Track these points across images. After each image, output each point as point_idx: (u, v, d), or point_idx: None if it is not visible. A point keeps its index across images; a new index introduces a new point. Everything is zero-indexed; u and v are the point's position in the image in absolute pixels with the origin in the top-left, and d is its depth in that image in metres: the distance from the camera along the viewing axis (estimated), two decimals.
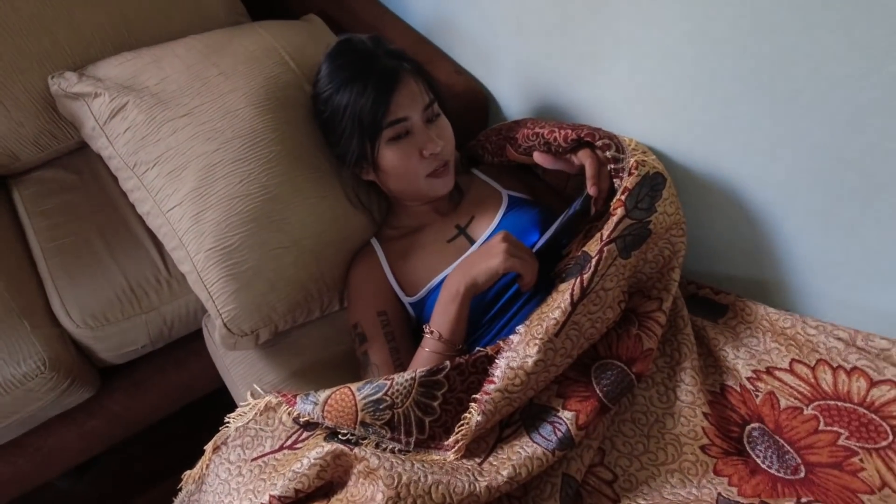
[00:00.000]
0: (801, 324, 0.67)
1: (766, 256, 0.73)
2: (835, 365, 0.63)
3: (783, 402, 0.65)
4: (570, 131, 0.72)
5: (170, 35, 0.97)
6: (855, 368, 0.61)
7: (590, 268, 0.64)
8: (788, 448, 0.63)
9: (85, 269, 0.89)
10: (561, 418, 0.63)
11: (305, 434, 0.67)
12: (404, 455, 0.62)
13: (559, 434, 0.62)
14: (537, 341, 0.62)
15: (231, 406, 0.77)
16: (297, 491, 0.59)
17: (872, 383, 0.60)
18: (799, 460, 0.62)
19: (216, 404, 0.94)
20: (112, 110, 0.85)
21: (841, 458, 0.60)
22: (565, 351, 0.64)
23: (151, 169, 0.82)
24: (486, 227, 0.79)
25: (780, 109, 0.63)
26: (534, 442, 0.62)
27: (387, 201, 0.88)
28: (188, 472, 0.71)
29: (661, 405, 0.69)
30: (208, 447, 0.70)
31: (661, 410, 0.69)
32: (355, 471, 0.61)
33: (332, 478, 0.62)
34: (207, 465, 0.69)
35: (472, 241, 0.79)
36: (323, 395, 0.65)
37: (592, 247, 0.66)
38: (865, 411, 0.60)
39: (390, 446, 0.63)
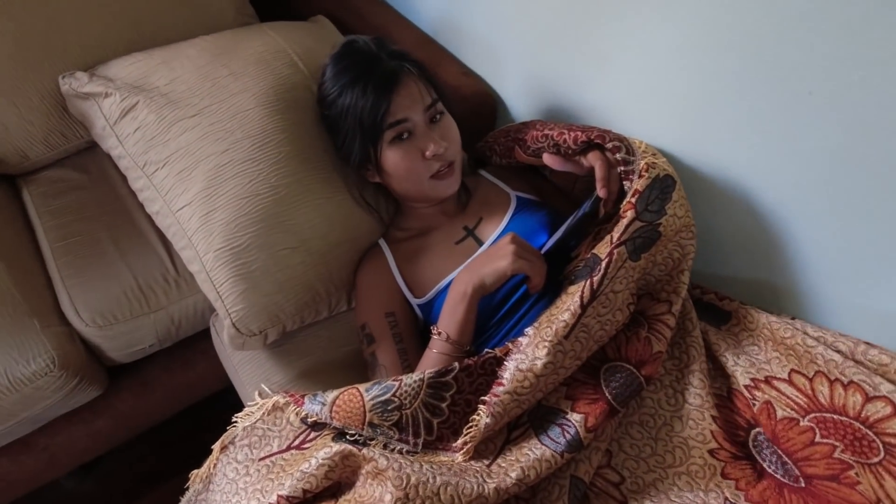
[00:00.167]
0: (801, 334, 0.66)
1: (775, 259, 0.73)
2: (832, 378, 0.63)
3: (780, 413, 0.65)
4: (579, 133, 0.72)
5: (180, 36, 0.98)
6: (851, 382, 0.61)
7: (600, 270, 0.64)
8: (787, 459, 0.63)
9: (94, 268, 0.90)
10: (570, 420, 0.63)
11: (313, 434, 0.67)
12: (412, 456, 0.62)
13: (568, 436, 0.62)
14: (546, 343, 0.62)
15: (238, 406, 0.77)
16: (305, 491, 0.59)
17: (868, 398, 0.60)
18: (797, 472, 0.62)
19: (223, 404, 0.94)
20: (122, 110, 0.86)
21: (837, 471, 0.60)
22: (574, 353, 0.64)
23: (161, 169, 0.82)
24: (495, 229, 0.79)
25: (791, 112, 0.62)
26: (542, 444, 0.62)
27: (394, 203, 0.88)
28: (195, 471, 0.71)
29: (670, 408, 0.69)
30: (216, 446, 0.70)
31: (670, 413, 0.69)
32: (363, 471, 0.61)
33: (340, 478, 0.62)
34: (215, 465, 0.69)
35: (480, 243, 0.79)
36: (331, 395, 0.65)
37: (602, 249, 0.66)
38: (860, 426, 0.60)
39: (398, 447, 0.63)
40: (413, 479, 0.56)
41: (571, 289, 0.65)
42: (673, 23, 0.69)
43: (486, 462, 0.62)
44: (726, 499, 0.62)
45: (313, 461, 0.60)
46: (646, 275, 0.71)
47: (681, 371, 0.71)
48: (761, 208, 0.71)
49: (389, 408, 0.62)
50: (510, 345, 0.66)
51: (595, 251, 0.67)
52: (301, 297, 0.79)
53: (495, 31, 0.98)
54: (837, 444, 0.61)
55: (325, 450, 0.61)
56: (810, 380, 0.64)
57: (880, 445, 0.59)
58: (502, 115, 1.06)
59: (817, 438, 0.62)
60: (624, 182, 0.70)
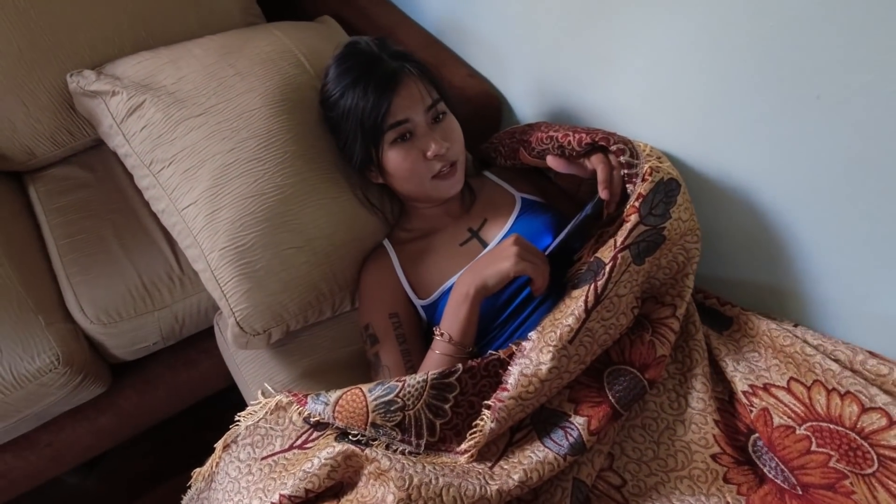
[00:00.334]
0: (800, 342, 0.66)
1: (780, 263, 0.73)
2: (829, 387, 0.63)
3: (776, 420, 0.65)
4: (584, 135, 0.72)
5: (187, 35, 0.98)
6: (848, 393, 0.61)
7: (603, 274, 0.64)
8: (783, 467, 0.63)
9: (99, 266, 0.90)
10: (573, 423, 0.63)
11: (315, 434, 0.67)
12: (415, 457, 0.62)
13: (571, 439, 0.62)
14: (551, 348, 0.62)
15: (240, 404, 0.77)
16: (307, 491, 0.60)
17: (863, 409, 0.60)
18: (794, 481, 0.61)
19: (225, 402, 0.95)
20: (129, 108, 0.86)
21: (833, 480, 0.60)
22: (579, 357, 0.64)
23: (167, 167, 0.82)
24: (499, 231, 0.79)
25: (798, 116, 0.62)
26: (545, 446, 0.62)
27: (399, 203, 0.88)
28: (198, 469, 0.71)
29: (672, 412, 0.69)
30: (218, 445, 0.70)
31: (672, 417, 0.69)
32: (366, 472, 0.61)
33: (342, 478, 0.62)
34: (217, 463, 0.70)
35: (484, 245, 0.79)
36: (334, 395, 0.65)
37: (605, 253, 0.66)
38: (856, 436, 0.60)
39: (401, 448, 0.63)
40: (416, 479, 0.56)
41: (575, 293, 0.65)
42: (680, 25, 0.69)
43: (489, 464, 0.62)
44: (727, 503, 0.62)
45: (316, 461, 0.60)
46: (650, 278, 0.71)
47: (684, 375, 0.71)
48: (766, 212, 0.71)
49: (392, 408, 0.62)
50: (514, 347, 0.66)
51: (598, 255, 0.67)
52: (305, 296, 0.79)
53: (501, 32, 0.98)
54: (833, 453, 0.61)
55: (327, 450, 0.61)
56: (808, 388, 0.64)
57: (874, 457, 0.59)
58: (507, 116, 1.06)
59: (813, 447, 0.62)
60: (627, 185, 0.70)
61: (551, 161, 0.74)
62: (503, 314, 0.74)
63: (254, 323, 0.76)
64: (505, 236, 0.78)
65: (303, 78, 0.88)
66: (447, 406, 0.64)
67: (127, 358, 0.94)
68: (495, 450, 0.63)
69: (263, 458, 0.67)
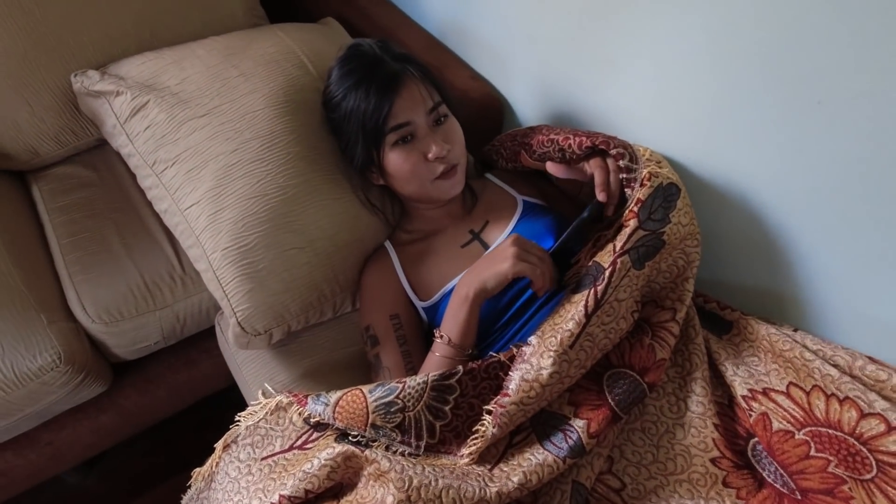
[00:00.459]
0: (800, 347, 0.66)
1: (781, 268, 0.73)
2: (829, 393, 0.63)
3: (775, 425, 0.65)
4: (584, 138, 0.72)
5: (191, 36, 0.99)
6: (847, 398, 0.61)
7: (603, 279, 0.64)
8: (782, 472, 0.63)
9: (101, 265, 0.91)
10: (572, 426, 0.63)
11: (315, 435, 0.67)
12: (414, 458, 0.62)
13: (570, 442, 0.62)
14: (552, 353, 0.62)
15: (240, 404, 0.77)
16: (307, 491, 0.60)
17: (862, 415, 0.60)
18: (793, 485, 0.61)
19: (225, 402, 0.95)
20: (133, 109, 0.87)
21: (832, 485, 0.60)
22: (579, 362, 0.64)
23: (170, 167, 0.83)
24: (501, 233, 0.79)
25: (800, 121, 0.62)
26: (545, 449, 0.62)
27: (400, 205, 0.89)
28: (198, 469, 0.71)
29: (672, 415, 0.69)
30: (218, 445, 0.70)
31: (672, 421, 0.69)
32: (366, 473, 0.61)
33: (342, 479, 0.62)
34: (217, 463, 0.70)
35: (486, 247, 0.79)
36: (334, 396, 0.65)
37: (605, 258, 0.66)
38: (854, 441, 0.60)
39: (400, 449, 0.63)
40: (415, 481, 0.56)
41: (575, 297, 0.65)
42: (682, 29, 0.69)
43: (489, 466, 0.62)
44: None
45: (315, 462, 0.60)
46: (650, 282, 0.71)
47: (683, 378, 0.71)
48: (767, 216, 0.71)
49: (392, 410, 0.62)
50: (514, 349, 0.66)
51: (597, 259, 0.67)
52: (306, 297, 0.79)
53: (503, 34, 0.98)
54: (832, 458, 0.61)
55: (327, 450, 0.61)
56: (807, 393, 0.64)
57: (873, 462, 0.59)
58: (509, 118, 1.06)
59: (812, 452, 0.62)
60: (626, 189, 0.70)
61: (551, 167, 0.75)
62: (504, 317, 0.74)
63: (255, 323, 0.77)
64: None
65: (306, 79, 0.89)
66: (447, 408, 0.64)
67: (128, 357, 0.94)
68: (495, 452, 0.64)
69: (263, 459, 0.67)
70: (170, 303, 0.91)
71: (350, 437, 0.64)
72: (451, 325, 0.69)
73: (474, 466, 0.62)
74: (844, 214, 0.64)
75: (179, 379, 1.02)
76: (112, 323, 0.88)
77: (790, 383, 0.66)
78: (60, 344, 0.83)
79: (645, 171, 0.68)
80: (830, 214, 0.65)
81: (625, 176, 0.69)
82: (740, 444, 0.67)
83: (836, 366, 0.64)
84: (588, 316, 0.63)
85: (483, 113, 1.02)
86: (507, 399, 0.62)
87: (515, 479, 0.59)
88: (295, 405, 0.69)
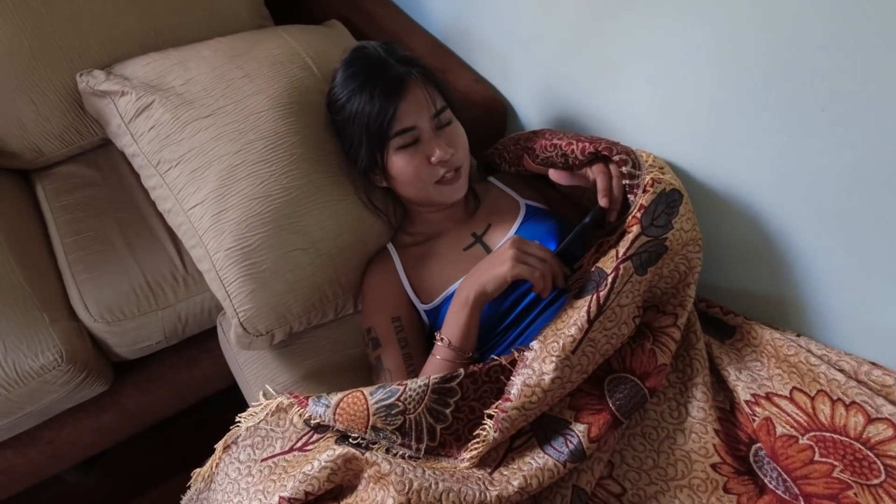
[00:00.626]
0: (805, 352, 0.66)
1: (783, 274, 0.73)
2: (834, 397, 0.63)
3: (779, 430, 0.65)
4: (587, 144, 0.72)
5: (196, 37, 0.99)
6: (854, 403, 0.61)
7: (606, 285, 0.64)
8: (786, 477, 0.63)
9: (104, 264, 0.91)
10: (573, 430, 0.63)
11: (316, 436, 0.67)
12: (415, 461, 0.62)
13: (571, 446, 0.62)
14: (554, 358, 0.62)
15: (240, 404, 0.77)
16: (307, 493, 0.60)
17: (869, 420, 0.60)
18: (797, 490, 0.61)
19: (226, 402, 0.95)
20: (138, 109, 0.87)
21: (837, 491, 0.59)
22: (581, 367, 0.64)
23: (174, 167, 0.83)
24: (503, 236, 0.79)
25: (803, 127, 0.63)
26: (545, 453, 0.62)
27: (403, 207, 0.89)
28: (198, 469, 0.71)
29: (673, 421, 0.69)
30: (219, 446, 0.70)
31: (673, 426, 0.69)
32: (366, 475, 0.61)
33: (342, 481, 0.62)
34: (217, 464, 0.70)
35: (488, 250, 0.79)
36: (335, 397, 0.65)
37: (607, 263, 0.66)
38: (861, 447, 0.60)
39: (401, 452, 0.63)
40: (415, 484, 0.56)
41: (578, 303, 0.65)
42: (686, 35, 0.69)
43: (489, 470, 0.62)
44: None
45: (316, 463, 0.60)
46: (652, 288, 0.71)
47: (684, 384, 0.71)
48: (769, 222, 0.71)
49: (393, 412, 0.62)
50: (515, 353, 0.66)
51: (600, 265, 0.67)
52: (309, 298, 0.79)
53: (507, 38, 0.99)
54: (837, 463, 0.60)
55: (327, 452, 0.61)
56: (812, 398, 0.64)
57: (881, 467, 0.58)
58: (512, 122, 1.07)
59: (816, 457, 0.62)
60: (629, 195, 0.70)
61: (553, 175, 0.75)
62: (506, 320, 0.74)
63: (257, 324, 0.77)
64: None
65: (310, 81, 0.89)
66: (448, 411, 0.64)
67: (130, 356, 0.94)
68: (495, 455, 0.64)
69: (263, 460, 0.67)
70: (172, 302, 0.91)
71: (350, 440, 0.64)
72: (452, 328, 0.69)
73: (474, 470, 0.62)
74: (846, 221, 0.64)
75: (180, 379, 1.03)
76: (114, 322, 0.88)
77: (794, 388, 0.66)
78: (62, 343, 0.83)
79: (648, 178, 0.68)
80: (832, 220, 0.65)
81: (628, 182, 0.69)
82: (742, 450, 0.67)
83: (841, 371, 0.64)
84: (591, 321, 0.63)
85: (486, 116, 1.02)
86: (508, 404, 0.62)
87: (516, 483, 0.59)
88: (296, 406, 0.69)
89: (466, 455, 0.62)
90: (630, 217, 0.67)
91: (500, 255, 0.67)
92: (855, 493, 0.58)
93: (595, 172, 0.70)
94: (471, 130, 0.81)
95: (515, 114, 1.05)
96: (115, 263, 0.91)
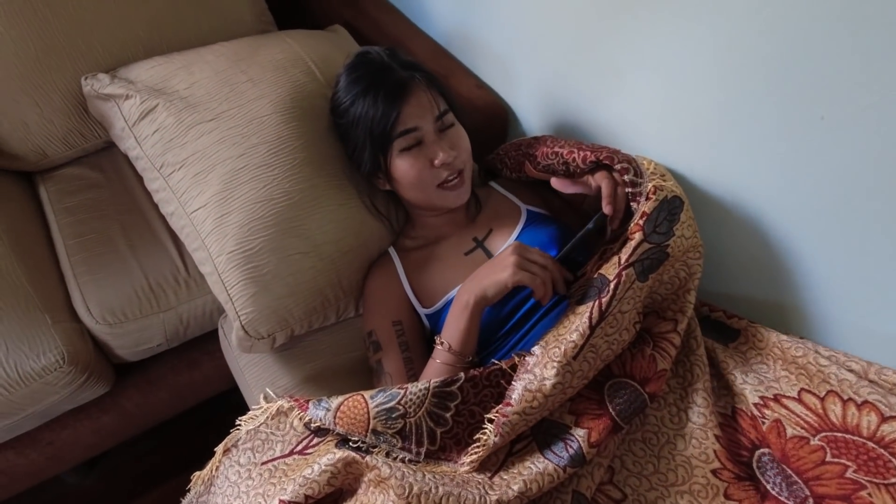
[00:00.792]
0: (813, 353, 0.66)
1: (783, 280, 0.73)
2: (845, 397, 0.62)
3: (790, 431, 0.65)
4: (589, 153, 0.72)
5: (200, 41, 1.00)
6: (866, 402, 0.61)
7: (608, 291, 0.64)
8: (796, 479, 0.62)
9: (106, 266, 0.91)
10: (573, 435, 0.63)
11: (316, 440, 0.67)
12: (415, 465, 0.62)
13: (571, 451, 0.62)
14: (555, 364, 0.62)
15: (240, 407, 0.77)
16: (307, 497, 0.60)
17: (883, 419, 0.60)
18: (808, 492, 0.61)
19: (226, 405, 0.95)
20: (142, 112, 0.87)
21: (849, 491, 0.59)
22: (582, 373, 0.64)
23: (178, 171, 0.83)
24: (504, 241, 0.79)
25: (802, 134, 0.63)
26: (545, 458, 0.62)
27: (405, 211, 0.89)
28: (198, 472, 0.71)
29: (673, 426, 0.69)
30: (219, 449, 0.70)
31: (673, 432, 0.69)
32: (366, 479, 0.61)
33: (342, 485, 0.63)
34: (217, 467, 0.70)
35: (489, 255, 0.79)
36: (335, 401, 0.65)
37: (610, 270, 0.67)
38: (874, 446, 0.60)
39: (401, 456, 0.63)
40: (416, 488, 0.56)
41: (580, 309, 0.66)
42: (688, 42, 0.70)
43: (489, 474, 0.62)
44: None
45: (316, 467, 0.60)
46: (652, 293, 0.71)
47: (685, 389, 0.71)
48: (770, 228, 0.72)
49: (393, 416, 0.62)
50: (515, 358, 0.66)
51: (602, 272, 0.67)
52: (310, 301, 0.79)
53: (509, 43, 0.99)
54: (850, 463, 0.60)
55: (327, 456, 0.61)
56: (821, 399, 0.64)
57: None
58: (514, 127, 1.07)
59: (828, 458, 0.61)
60: (631, 203, 0.70)
61: (555, 183, 0.75)
62: (506, 325, 0.74)
63: (259, 327, 0.77)
64: None
65: (313, 86, 0.89)
66: (448, 415, 0.64)
67: (131, 358, 0.94)
68: (495, 460, 0.64)
69: (263, 463, 0.67)
70: (173, 305, 0.91)
71: (350, 443, 0.64)
72: (452, 332, 0.69)
73: (474, 474, 0.62)
74: (846, 227, 0.64)
75: (181, 381, 1.03)
76: (116, 324, 0.88)
77: (802, 389, 0.66)
78: (64, 344, 0.83)
79: (650, 185, 0.69)
80: (832, 226, 0.65)
81: (630, 190, 0.70)
82: (744, 456, 0.67)
83: (851, 371, 0.64)
84: (592, 328, 0.63)
85: (488, 121, 1.02)
86: (509, 408, 0.62)
87: (515, 488, 0.59)
88: (296, 410, 0.69)
89: (467, 459, 0.62)
90: (633, 224, 0.68)
91: (501, 261, 0.67)
92: (869, 494, 0.58)
93: (599, 179, 0.71)
94: (472, 135, 0.81)
95: (517, 119, 1.05)
96: (117, 265, 0.91)
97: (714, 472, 0.65)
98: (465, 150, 0.79)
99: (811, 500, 0.60)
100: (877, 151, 0.58)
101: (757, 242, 0.74)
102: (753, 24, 0.62)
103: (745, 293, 0.79)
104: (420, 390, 0.63)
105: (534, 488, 0.59)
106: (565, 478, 0.62)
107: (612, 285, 0.64)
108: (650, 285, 0.69)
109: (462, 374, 0.64)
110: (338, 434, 0.66)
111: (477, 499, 0.57)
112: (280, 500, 0.60)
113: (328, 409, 0.65)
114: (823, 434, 0.63)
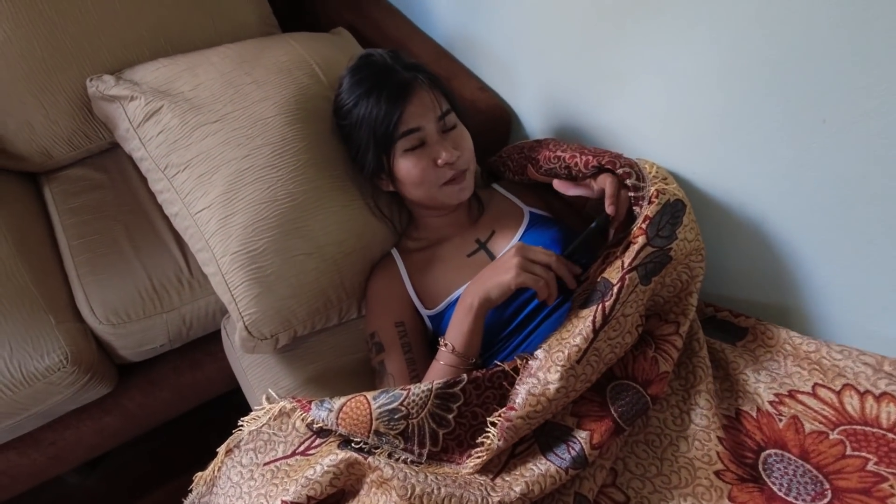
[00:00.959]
0: (825, 348, 0.66)
1: (786, 283, 0.73)
2: (862, 390, 0.62)
3: (808, 427, 0.64)
4: (591, 157, 0.73)
5: (205, 43, 1.00)
6: (884, 394, 0.61)
7: (611, 295, 0.64)
8: (817, 473, 0.62)
9: (110, 267, 0.91)
10: (575, 437, 0.63)
11: (318, 441, 0.68)
12: (417, 466, 0.62)
13: (573, 453, 0.62)
14: (559, 368, 0.62)
15: (243, 407, 0.78)
16: (309, 497, 0.60)
17: None
18: (827, 485, 0.60)
19: (229, 405, 0.95)
20: (146, 114, 0.88)
21: (870, 484, 0.59)
22: (585, 377, 0.64)
23: (182, 172, 0.84)
24: (507, 243, 0.80)
25: (804, 138, 0.63)
26: (547, 459, 0.62)
27: (408, 213, 0.89)
28: (200, 473, 0.71)
29: (676, 428, 0.69)
30: (221, 449, 0.70)
31: (675, 433, 0.69)
32: (368, 480, 0.62)
33: (344, 486, 0.63)
34: (219, 468, 0.70)
35: (492, 256, 0.80)
36: (338, 402, 0.65)
37: (613, 274, 0.67)
38: (894, 437, 0.59)
39: (403, 457, 0.63)
40: (418, 489, 0.57)
41: (583, 312, 0.66)
42: (690, 47, 0.70)
43: (491, 475, 0.62)
44: None
45: (318, 468, 0.60)
46: (654, 296, 0.72)
47: (687, 391, 0.71)
48: (772, 232, 0.72)
49: (396, 417, 0.62)
50: (518, 360, 0.66)
51: (605, 275, 0.68)
52: (313, 302, 0.79)
53: (512, 46, 0.99)
54: (870, 456, 0.60)
55: (330, 457, 0.61)
56: (837, 393, 0.64)
57: None
58: (516, 129, 1.07)
59: (848, 451, 0.61)
60: (634, 207, 0.71)
61: (558, 185, 0.75)
62: (509, 327, 0.74)
63: (262, 327, 0.77)
64: None
65: (317, 88, 0.90)
66: (451, 416, 0.64)
67: (134, 359, 0.95)
68: (497, 462, 0.64)
69: (266, 464, 0.67)
70: (177, 306, 0.91)
71: (353, 444, 0.64)
72: (456, 333, 0.69)
73: (476, 476, 0.62)
74: (847, 230, 0.64)
75: (184, 381, 1.03)
76: (119, 325, 0.88)
77: (816, 384, 0.66)
78: (68, 344, 0.83)
79: (652, 189, 0.69)
80: (834, 229, 0.65)
81: (632, 194, 0.70)
82: (749, 458, 0.66)
83: (866, 364, 0.64)
84: (596, 331, 0.63)
85: (490, 124, 1.03)
86: (513, 413, 0.62)
87: (517, 490, 0.59)
88: (298, 411, 0.69)
89: (470, 462, 0.62)
90: (636, 228, 0.68)
91: (504, 263, 0.67)
92: (891, 486, 0.57)
93: (601, 181, 0.71)
94: (475, 137, 0.81)
95: (520, 122, 1.06)
96: (120, 266, 0.92)
97: (717, 473, 0.65)
98: (469, 151, 0.79)
99: (829, 493, 0.60)
100: (878, 154, 0.58)
101: (759, 245, 0.74)
102: (755, 29, 0.63)
103: (747, 296, 0.79)
104: (423, 391, 0.63)
105: (536, 490, 0.59)
106: (567, 480, 0.62)
107: (615, 289, 0.64)
108: (653, 288, 0.69)
109: (465, 376, 0.65)
110: (340, 435, 0.66)
111: (479, 500, 0.57)
112: (282, 501, 0.60)
113: (331, 410, 0.65)
114: (842, 427, 0.62)
